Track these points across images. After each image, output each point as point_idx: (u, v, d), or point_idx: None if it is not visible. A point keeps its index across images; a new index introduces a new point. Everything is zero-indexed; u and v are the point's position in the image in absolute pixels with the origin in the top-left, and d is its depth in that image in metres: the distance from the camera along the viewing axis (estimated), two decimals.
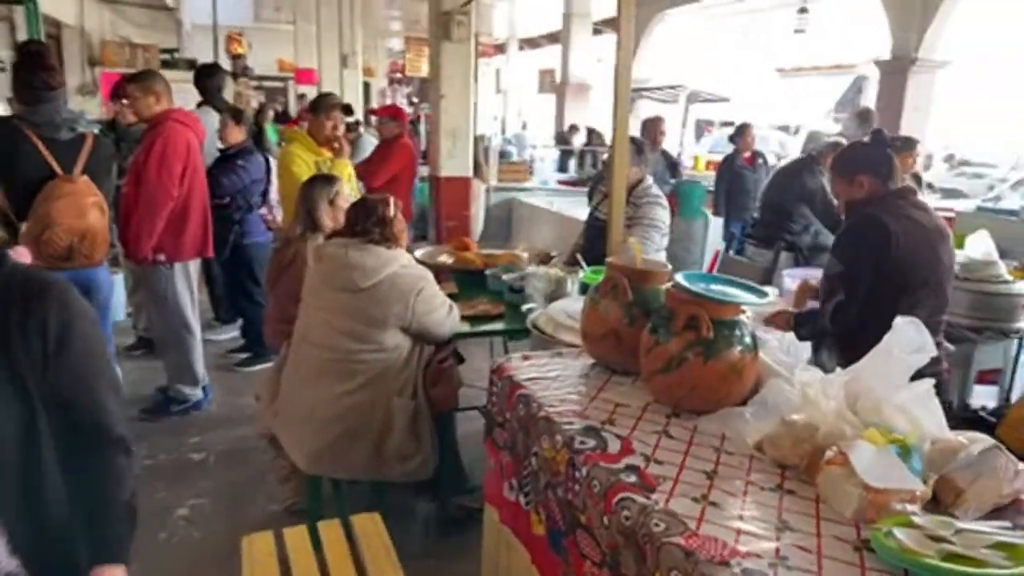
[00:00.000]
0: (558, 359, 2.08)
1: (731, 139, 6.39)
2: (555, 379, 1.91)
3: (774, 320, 2.39)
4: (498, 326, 2.81)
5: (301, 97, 16.00)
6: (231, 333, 5.07)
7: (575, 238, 5.45)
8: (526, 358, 2.07)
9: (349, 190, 3.46)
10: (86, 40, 11.65)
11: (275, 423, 2.67)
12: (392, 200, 2.57)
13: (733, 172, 6.15)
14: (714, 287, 1.72)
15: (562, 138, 11.99)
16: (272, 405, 2.70)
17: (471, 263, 3.49)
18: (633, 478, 1.40)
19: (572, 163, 10.53)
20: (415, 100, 19.90)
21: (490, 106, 17.68)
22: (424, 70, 16.71)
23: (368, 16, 15.21)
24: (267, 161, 4.44)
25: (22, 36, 4.60)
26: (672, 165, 6.09)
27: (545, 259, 3.60)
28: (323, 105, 3.68)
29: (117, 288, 4.64)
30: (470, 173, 5.19)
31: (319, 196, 2.99)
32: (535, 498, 1.73)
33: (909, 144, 5.04)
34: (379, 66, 20.04)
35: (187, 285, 3.71)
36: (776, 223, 4.27)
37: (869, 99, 23.23)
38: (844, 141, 4.27)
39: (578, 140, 12.16)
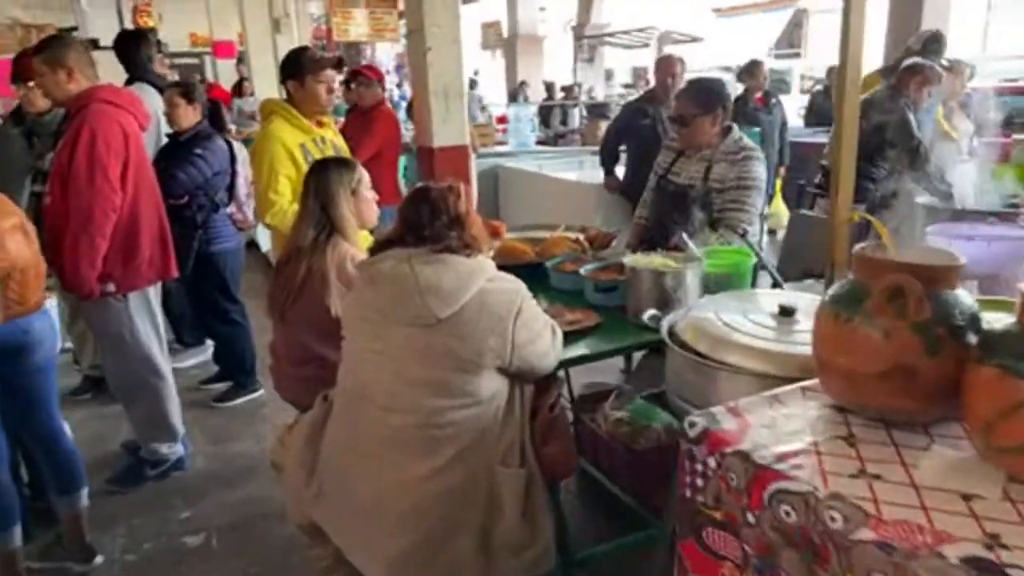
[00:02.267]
0: (781, 408, 1.38)
1: (739, 78, 5.75)
2: (816, 449, 1.22)
3: None
4: (610, 345, 2.09)
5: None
6: (199, 358, 4.21)
7: (593, 206, 4.77)
8: (735, 413, 1.36)
9: None
10: None
11: (319, 511, 1.91)
12: (463, 188, 1.81)
13: (747, 115, 5.51)
14: None
15: (515, 95, 11.16)
16: (310, 484, 1.93)
17: (522, 255, 2.74)
18: None
19: (537, 121, 9.73)
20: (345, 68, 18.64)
21: None
22: (354, 34, 15.51)
23: None
24: (230, 146, 3.54)
25: None
26: None
27: (604, 241, 2.88)
28: (307, 64, 2.79)
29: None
30: (467, 140, 4.40)
31: (337, 187, 2.19)
32: None
33: (958, 66, 4.49)
34: (303, 33, 18.60)
35: (149, 318, 2.85)
36: (858, 171, 3.63)
37: (808, 33, 23.02)
38: (921, 62, 3.66)
39: (533, 97, 11.37)
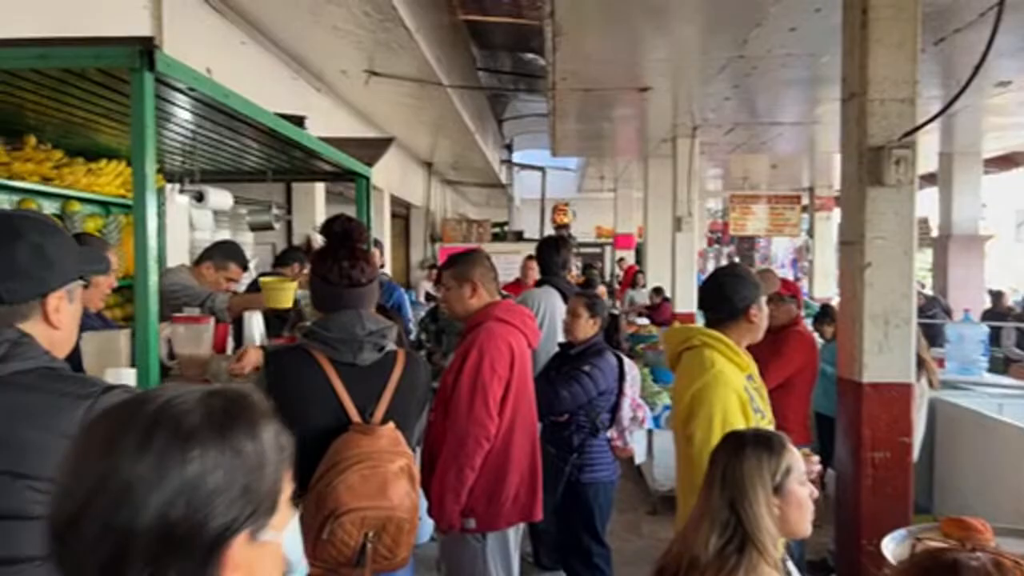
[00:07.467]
0: None
1: None
2: None
3: None
4: None
5: (620, 260, 15.68)
6: None
7: None
8: None
9: None
10: (430, 219, 12.43)
11: None
12: None
13: None
14: None
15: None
16: None
17: None
18: None
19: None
20: (736, 260, 18.49)
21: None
22: (751, 229, 15.27)
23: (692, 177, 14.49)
24: (620, 362, 3.15)
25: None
26: None
27: None
28: (751, 292, 2.14)
29: None
30: (911, 376, 3.38)
31: (754, 477, 1.51)
32: None
33: None
34: (701, 226, 19.16)
35: (504, 563, 2.43)
36: None
37: None
38: None
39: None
